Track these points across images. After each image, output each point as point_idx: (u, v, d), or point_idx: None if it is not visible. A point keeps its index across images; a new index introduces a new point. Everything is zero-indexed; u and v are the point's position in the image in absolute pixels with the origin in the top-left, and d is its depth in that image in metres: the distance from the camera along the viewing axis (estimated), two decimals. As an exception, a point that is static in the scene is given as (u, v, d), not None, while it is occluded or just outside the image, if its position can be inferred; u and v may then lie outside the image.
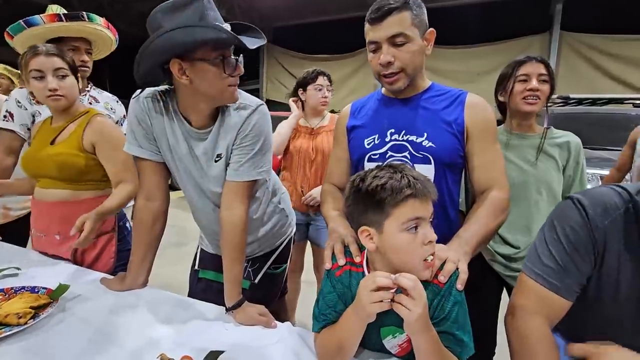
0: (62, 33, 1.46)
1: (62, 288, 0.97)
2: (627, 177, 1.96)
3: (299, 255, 1.96)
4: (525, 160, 1.26)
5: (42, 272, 1.14)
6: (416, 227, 0.66)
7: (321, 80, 1.78)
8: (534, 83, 1.22)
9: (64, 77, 1.18)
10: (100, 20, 1.52)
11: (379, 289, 0.63)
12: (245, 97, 0.99)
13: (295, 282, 1.99)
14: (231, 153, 0.98)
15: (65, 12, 1.48)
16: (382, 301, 0.63)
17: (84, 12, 1.46)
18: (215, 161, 0.99)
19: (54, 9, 1.52)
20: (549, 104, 1.31)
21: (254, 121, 0.96)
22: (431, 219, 0.69)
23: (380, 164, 0.77)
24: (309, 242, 1.95)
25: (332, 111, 2.06)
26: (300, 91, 1.84)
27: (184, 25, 0.79)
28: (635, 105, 4.20)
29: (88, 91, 1.60)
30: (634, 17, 6.45)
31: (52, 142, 1.22)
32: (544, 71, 1.23)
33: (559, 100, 4.46)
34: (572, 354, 0.62)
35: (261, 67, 10.06)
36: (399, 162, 0.73)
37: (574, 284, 0.66)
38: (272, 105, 10.17)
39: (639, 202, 0.62)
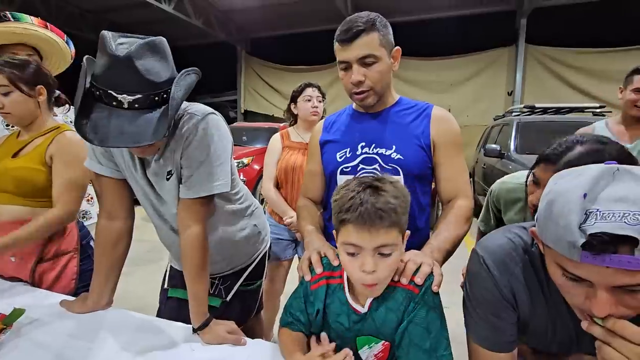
0: None
1: (17, 312, 0.92)
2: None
3: (281, 274, 1.86)
4: None
5: (-3, 296, 1.07)
6: (354, 254, 0.68)
7: (309, 91, 1.79)
8: (537, 196, 1.06)
9: (5, 94, 1.14)
10: (32, 20, 1.37)
11: None
12: (194, 108, 0.92)
13: (274, 303, 1.90)
14: (181, 168, 0.92)
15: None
16: None
17: (9, 12, 1.33)
18: (167, 179, 0.94)
19: None
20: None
21: (199, 131, 0.88)
22: (388, 253, 0.67)
23: (369, 174, 0.78)
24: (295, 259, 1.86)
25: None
26: (292, 106, 1.85)
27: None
28: (594, 114, 4.46)
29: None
30: (592, 32, 6.91)
31: (14, 156, 1.17)
32: None
33: (526, 110, 4.69)
34: None
35: (239, 78, 10.04)
36: (388, 178, 0.71)
37: (511, 335, 0.69)
38: (250, 116, 10.19)
39: (534, 254, 0.66)
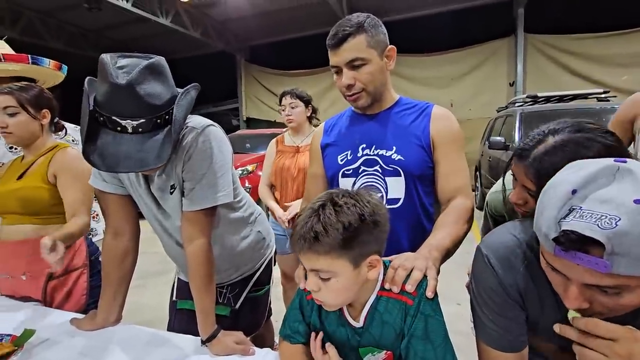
0: None
1: (28, 333, 0.92)
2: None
3: (296, 265, 2.00)
4: None
5: (8, 318, 1.08)
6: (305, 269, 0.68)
7: (283, 101, 1.93)
8: (514, 193, 0.80)
9: (12, 114, 1.18)
10: None
11: None
12: (193, 121, 0.93)
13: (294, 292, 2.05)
14: (183, 181, 0.93)
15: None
16: None
17: None
18: (170, 193, 0.95)
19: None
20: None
21: (199, 143, 0.89)
22: (326, 277, 0.63)
23: (370, 175, 0.76)
24: None
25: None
26: None
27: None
28: (598, 100, 4.39)
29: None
30: (590, 17, 6.83)
31: (19, 178, 1.21)
32: (529, 184, 0.72)
33: (529, 100, 4.64)
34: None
35: (239, 86, 10.11)
36: (350, 199, 0.65)
37: (519, 335, 0.67)
38: (253, 123, 10.23)
39: (539, 250, 0.63)
